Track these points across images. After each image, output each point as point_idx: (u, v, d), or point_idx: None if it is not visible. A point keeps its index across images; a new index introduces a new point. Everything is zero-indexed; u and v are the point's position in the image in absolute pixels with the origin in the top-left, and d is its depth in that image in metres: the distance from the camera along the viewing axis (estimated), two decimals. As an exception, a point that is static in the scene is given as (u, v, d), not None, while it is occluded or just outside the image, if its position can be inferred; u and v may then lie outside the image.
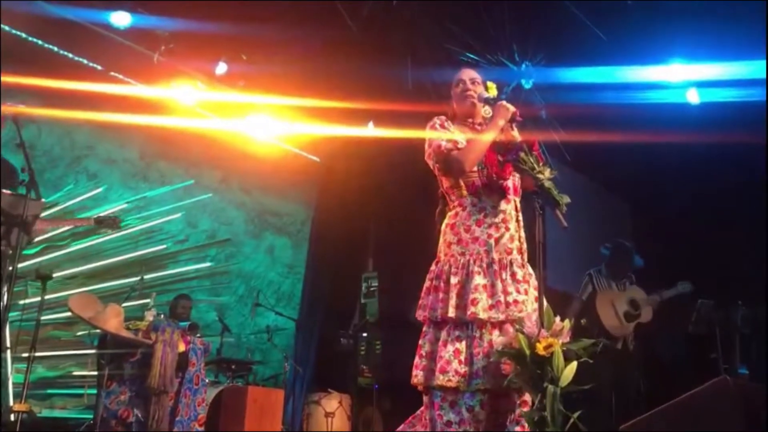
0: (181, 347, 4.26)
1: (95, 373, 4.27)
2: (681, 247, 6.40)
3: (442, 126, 3.11)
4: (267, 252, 7.56)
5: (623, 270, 5.67)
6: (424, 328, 2.99)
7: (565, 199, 2.97)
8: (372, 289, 7.16)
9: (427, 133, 3.13)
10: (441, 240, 3.10)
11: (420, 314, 2.99)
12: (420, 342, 2.97)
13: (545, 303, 2.76)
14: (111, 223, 4.88)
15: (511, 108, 3.04)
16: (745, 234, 6.02)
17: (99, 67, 6.03)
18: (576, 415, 2.61)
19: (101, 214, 5.00)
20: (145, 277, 5.61)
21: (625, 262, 5.71)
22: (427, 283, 3.03)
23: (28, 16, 5.41)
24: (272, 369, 6.70)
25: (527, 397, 2.87)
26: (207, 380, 4.74)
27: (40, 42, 5.71)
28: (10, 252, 4.05)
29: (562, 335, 2.68)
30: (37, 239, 4.86)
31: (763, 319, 5.38)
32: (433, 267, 3.06)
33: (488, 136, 3.02)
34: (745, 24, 4.96)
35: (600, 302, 5.44)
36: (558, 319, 2.71)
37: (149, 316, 4.32)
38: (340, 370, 6.59)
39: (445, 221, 3.12)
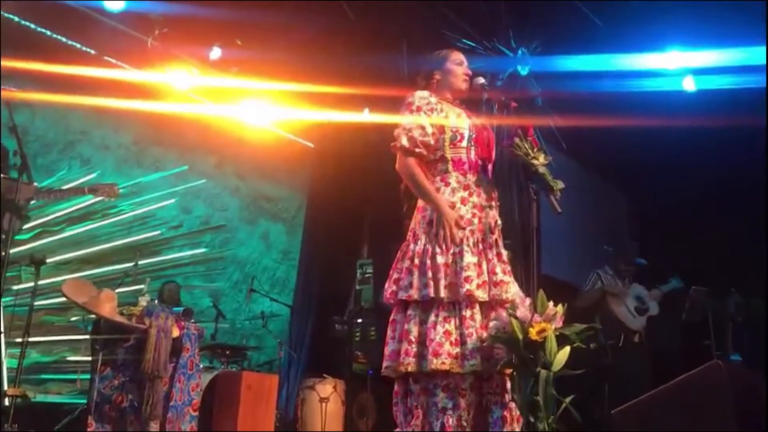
0: (175, 332, 4.25)
1: (89, 358, 4.25)
2: (676, 234, 6.41)
3: (419, 110, 3.04)
4: (262, 238, 7.55)
5: (628, 269, 5.76)
6: (409, 311, 2.87)
7: (559, 185, 2.98)
8: (367, 275, 7.14)
9: (403, 114, 3.08)
10: (418, 217, 3.01)
11: (402, 295, 2.86)
12: (406, 327, 2.84)
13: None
14: (106, 190, 4.54)
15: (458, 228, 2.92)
16: (740, 221, 6.04)
17: (92, 52, 5.99)
18: (568, 399, 2.63)
19: (95, 184, 4.70)
20: (139, 262, 5.57)
21: (630, 262, 5.78)
22: (406, 263, 2.92)
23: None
24: (267, 355, 6.70)
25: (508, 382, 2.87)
26: (201, 365, 4.74)
27: (33, 26, 5.66)
28: (3, 236, 4.00)
29: (555, 320, 2.69)
30: (28, 225, 4.74)
31: (757, 306, 5.40)
32: (411, 246, 2.96)
33: (427, 198, 2.98)
34: (741, 10, 4.94)
35: (611, 299, 5.54)
36: (551, 303, 2.72)
37: (143, 301, 4.31)
38: (334, 356, 6.59)
39: None
